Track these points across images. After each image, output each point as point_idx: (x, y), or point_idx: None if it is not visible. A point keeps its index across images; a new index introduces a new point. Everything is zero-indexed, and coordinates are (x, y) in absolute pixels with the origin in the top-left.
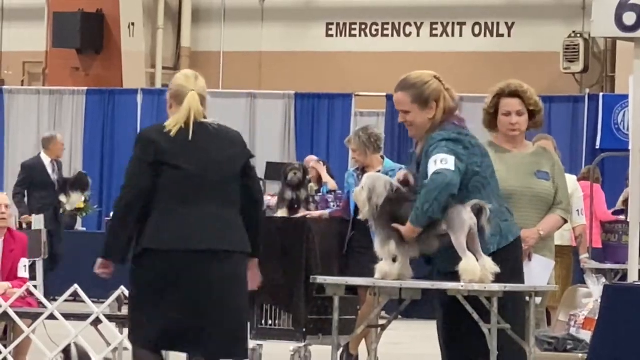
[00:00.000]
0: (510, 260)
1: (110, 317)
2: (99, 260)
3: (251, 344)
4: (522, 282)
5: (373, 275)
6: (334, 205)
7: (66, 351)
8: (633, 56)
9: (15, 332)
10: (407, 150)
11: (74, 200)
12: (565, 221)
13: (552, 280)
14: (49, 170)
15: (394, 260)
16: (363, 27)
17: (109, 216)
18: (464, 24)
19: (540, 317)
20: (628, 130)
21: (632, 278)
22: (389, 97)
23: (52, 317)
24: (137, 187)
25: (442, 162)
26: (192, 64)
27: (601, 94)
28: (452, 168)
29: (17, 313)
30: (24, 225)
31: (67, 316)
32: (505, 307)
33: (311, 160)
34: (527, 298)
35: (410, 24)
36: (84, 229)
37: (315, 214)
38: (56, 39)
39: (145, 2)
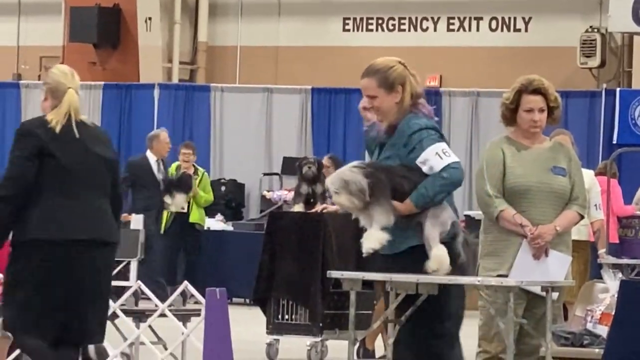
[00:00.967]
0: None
1: (126, 312)
2: None
3: (268, 338)
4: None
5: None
6: None
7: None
8: None
9: None
10: None
11: (178, 202)
12: (582, 217)
13: (569, 276)
14: (154, 169)
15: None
16: (380, 21)
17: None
18: (481, 18)
19: (557, 312)
20: None
21: None
22: None
23: None
24: (20, 179)
25: (446, 155)
26: (208, 59)
27: (618, 89)
28: (457, 159)
29: None
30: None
31: None
32: (437, 301)
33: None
34: (544, 293)
35: (427, 19)
36: None
37: (331, 208)
38: (73, 33)
39: None
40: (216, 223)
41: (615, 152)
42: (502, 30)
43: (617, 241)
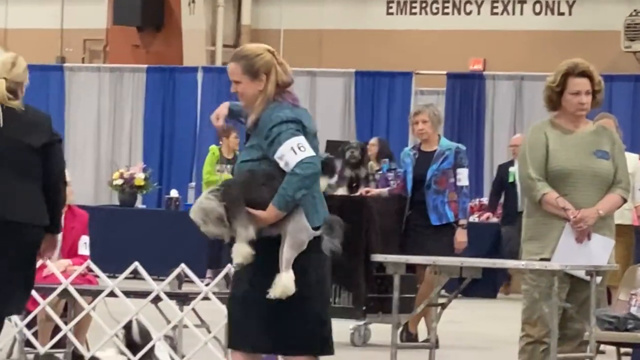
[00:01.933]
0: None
1: (170, 295)
2: None
3: None
4: (319, 270)
5: (432, 253)
6: (393, 184)
7: (127, 328)
8: None
9: (76, 309)
10: (466, 128)
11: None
12: (625, 200)
13: (612, 259)
14: None
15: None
16: (423, 5)
17: (169, 194)
18: (525, 2)
19: (601, 296)
20: None
21: None
22: (450, 76)
23: (112, 294)
24: None
25: (300, 149)
26: (252, 42)
27: None
28: (312, 152)
29: (77, 290)
30: None
31: (127, 293)
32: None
33: None
34: (588, 277)
35: (470, 2)
36: (144, 206)
37: (374, 191)
38: (117, 16)
39: None
40: None
41: None
42: (545, 13)
43: None
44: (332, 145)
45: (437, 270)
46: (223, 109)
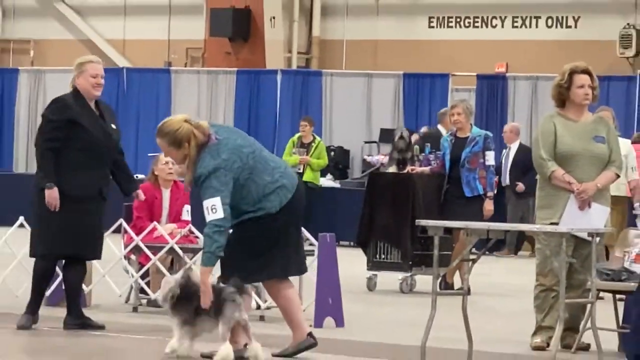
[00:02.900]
0: (256, 227)
1: None
2: None
3: (367, 274)
4: (261, 245)
5: (465, 219)
6: (434, 163)
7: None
8: None
9: (180, 264)
10: (492, 119)
11: None
12: (618, 176)
13: (608, 224)
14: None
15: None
16: (458, 20)
17: None
18: (540, 17)
19: (600, 253)
20: None
21: None
22: (479, 77)
23: None
24: None
25: (212, 211)
26: (321, 50)
27: None
28: (222, 215)
29: (181, 248)
30: None
31: None
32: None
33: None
34: (590, 238)
35: (496, 17)
36: None
37: (418, 169)
38: (213, 29)
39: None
40: (327, 181)
41: None
42: (556, 26)
43: None
44: (384, 133)
45: (468, 232)
46: None
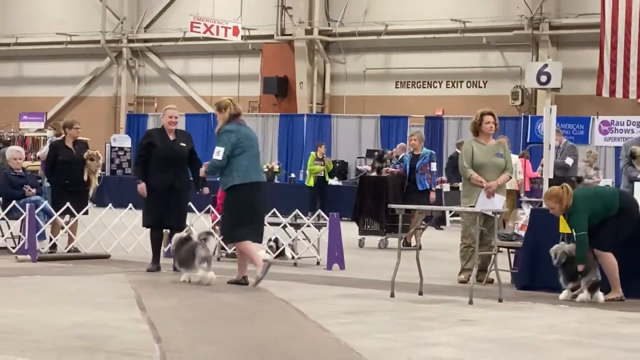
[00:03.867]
0: (234, 193)
1: (291, 225)
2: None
3: (359, 237)
4: (244, 208)
5: (418, 204)
6: (398, 167)
7: (275, 240)
8: (545, 97)
9: None
10: (436, 143)
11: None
12: (511, 177)
13: (505, 206)
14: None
15: None
16: (413, 83)
17: (290, 175)
18: (462, 81)
19: (499, 224)
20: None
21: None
22: (426, 118)
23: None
24: None
25: (217, 154)
26: (330, 102)
27: (530, 116)
28: (220, 158)
29: None
30: None
31: (271, 224)
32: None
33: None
34: (493, 215)
35: (437, 82)
36: (278, 182)
37: (390, 170)
38: (264, 89)
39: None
40: (334, 182)
41: (528, 147)
42: (473, 87)
43: (529, 190)
44: (369, 152)
45: (419, 212)
46: None
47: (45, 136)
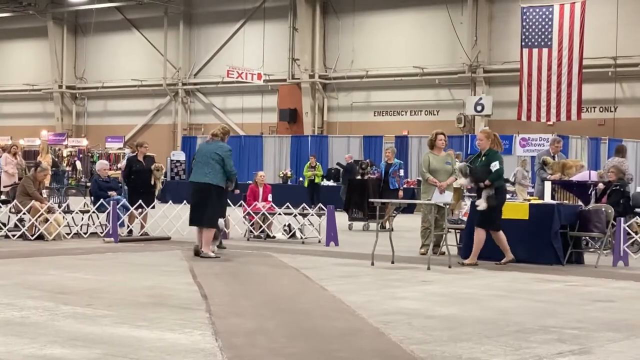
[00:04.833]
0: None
1: (300, 214)
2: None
3: (348, 222)
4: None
5: (390, 199)
6: (376, 173)
7: (288, 225)
8: (480, 122)
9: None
10: (404, 155)
11: None
12: (456, 179)
13: (452, 200)
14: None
15: None
16: (387, 112)
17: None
18: (422, 110)
19: (448, 212)
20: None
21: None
22: (396, 137)
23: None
24: None
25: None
26: (327, 126)
27: (470, 135)
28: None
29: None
30: None
31: (285, 214)
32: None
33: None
34: (444, 205)
35: (404, 110)
36: (290, 183)
37: (371, 176)
38: (280, 117)
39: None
40: (330, 183)
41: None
42: (430, 115)
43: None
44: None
45: (391, 204)
46: None
47: (124, 153)
